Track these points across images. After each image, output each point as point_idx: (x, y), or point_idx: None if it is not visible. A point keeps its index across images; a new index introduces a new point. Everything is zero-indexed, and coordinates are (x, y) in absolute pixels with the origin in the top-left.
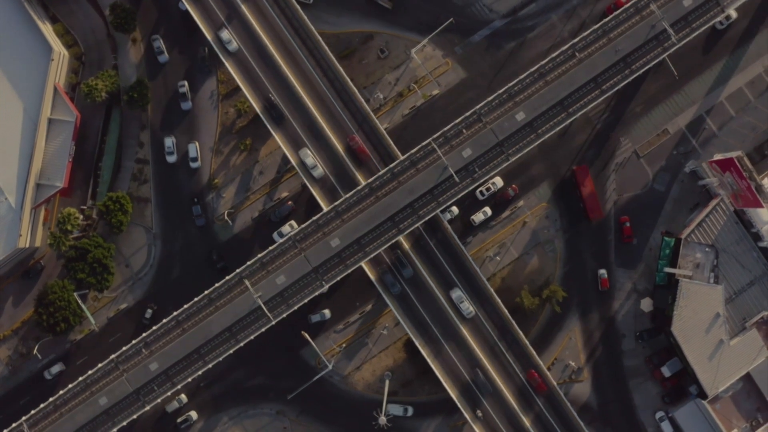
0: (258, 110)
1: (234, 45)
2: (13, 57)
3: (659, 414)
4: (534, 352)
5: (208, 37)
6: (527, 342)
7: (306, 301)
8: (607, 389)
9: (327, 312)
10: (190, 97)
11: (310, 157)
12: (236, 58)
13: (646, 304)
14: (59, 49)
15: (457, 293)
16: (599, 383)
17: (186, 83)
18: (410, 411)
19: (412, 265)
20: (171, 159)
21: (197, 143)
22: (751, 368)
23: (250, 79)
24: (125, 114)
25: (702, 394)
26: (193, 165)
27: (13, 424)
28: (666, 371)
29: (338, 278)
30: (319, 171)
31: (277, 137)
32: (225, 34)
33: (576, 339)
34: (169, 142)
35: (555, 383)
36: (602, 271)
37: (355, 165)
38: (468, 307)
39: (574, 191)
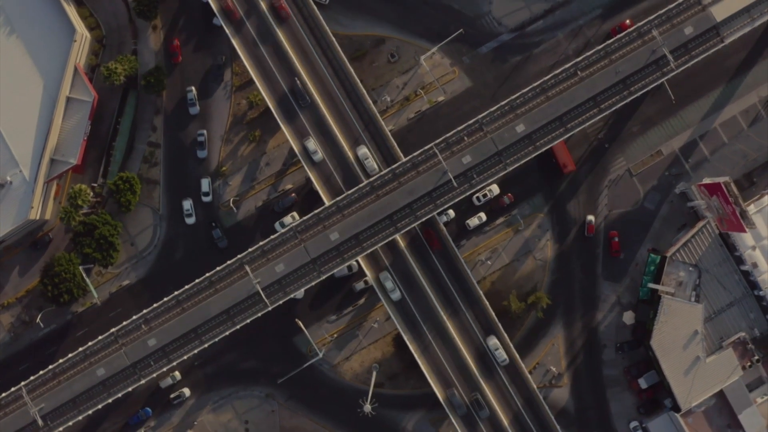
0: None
1: (319, 155)
2: (37, 36)
3: (633, 424)
4: (518, 356)
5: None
6: (511, 344)
7: (301, 290)
8: (586, 396)
9: (370, 279)
10: (207, 147)
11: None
12: (320, 168)
13: (629, 317)
14: (82, 31)
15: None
16: (578, 390)
17: (205, 132)
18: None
19: (407, 263)
20: (190, 221)
21: (210, 178)
22: (725, 386)
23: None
24: (141, 98)
25: (676, 408)
26: (205, 199)
27: (12, 389)
28: (643, 383)
29: (334, 270)
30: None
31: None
32: (311, 144)
33: (558, 345)
34: (187, 204)
35: (535, 386)
36: (590, 218)
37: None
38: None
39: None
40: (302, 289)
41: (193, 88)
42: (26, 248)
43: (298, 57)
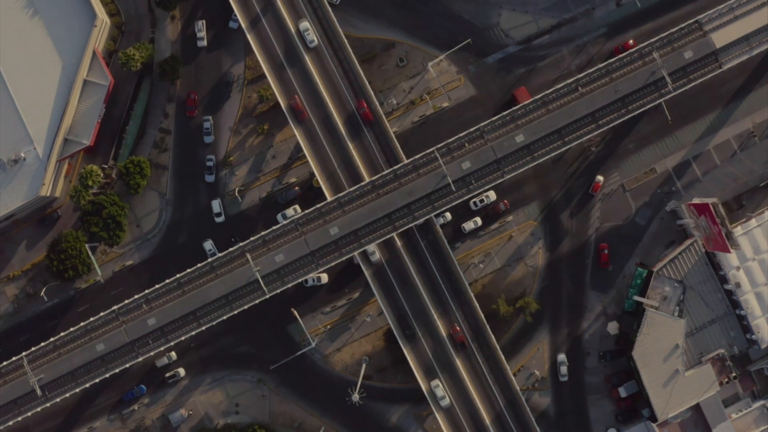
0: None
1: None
2: (59, 19)
3: (611, 430)
4: (503, 358)
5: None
6: (497, 345)
7: (299, 280)
8: (567, 401)
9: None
10: (215, 172)
11: (440, 388)
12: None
13: (613, 327)
14: (102, 17)
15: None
16: (560, 394)
17: (214, 157)
18: None
19: (402, 261)
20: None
21: (220, 199)
22: (701, 399)
23: None
24: (155, 85)
25: (653, 418)
26: (217, 220)
27: (14, 358)
28: (623, 392)
29: (332, 264)
30: (446, 402)
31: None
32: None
33: (543, 350)
34: (209, 245)
35: (519, 388)
36: (599, 178)
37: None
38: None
39: None
40: (325, 274)
41: (210, 117)
42: (35, 223)
43: (309, 56)
